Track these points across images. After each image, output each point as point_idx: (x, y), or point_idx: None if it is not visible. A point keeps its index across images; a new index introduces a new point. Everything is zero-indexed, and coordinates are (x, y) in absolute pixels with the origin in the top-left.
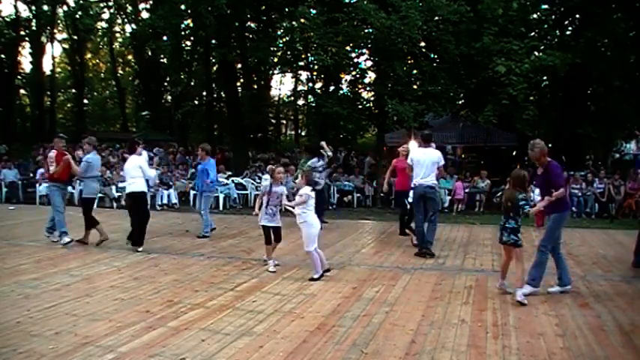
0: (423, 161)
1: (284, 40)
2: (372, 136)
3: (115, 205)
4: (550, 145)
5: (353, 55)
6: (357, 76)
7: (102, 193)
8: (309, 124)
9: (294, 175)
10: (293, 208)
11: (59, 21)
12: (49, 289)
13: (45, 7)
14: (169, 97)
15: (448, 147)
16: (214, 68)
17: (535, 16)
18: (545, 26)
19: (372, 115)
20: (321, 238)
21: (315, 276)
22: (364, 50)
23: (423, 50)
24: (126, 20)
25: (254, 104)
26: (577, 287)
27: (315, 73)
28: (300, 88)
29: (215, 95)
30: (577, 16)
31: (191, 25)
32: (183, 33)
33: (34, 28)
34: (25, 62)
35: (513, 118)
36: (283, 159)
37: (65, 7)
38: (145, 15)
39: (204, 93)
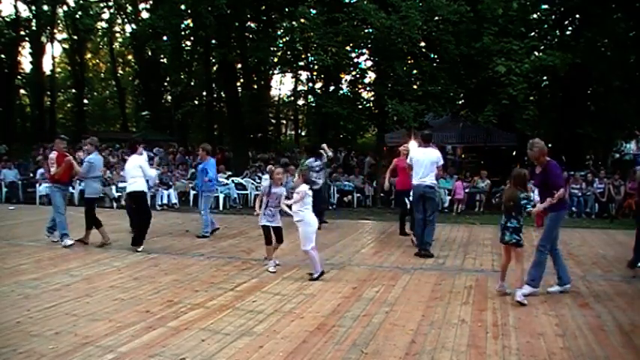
0: (422, 161)
1: (284, 40)
2: (372, 136)
3: (115, 205)
4: (550, 145)
5: (353, 55)
6: (357, 76)
7: (102, 193)
8: (309, 124)
9: (294, 175)
10: (290, 208)
11: (59, 21)
12: (49, 289)
13: (45, 7)
14: (169, 97)
15: (448, 147)
16: (214, 68)
17: (535, 16)
18: (545, 26)
19: (372, 115)
20: (321, 238)
21: (315, 275)
22: (364, 50)
23: (423, 50)
24: (126, 20)
25: (254, 104)
26: (577, 287)
27: (315, 73)
28: (300, 88)
29: (215, 95)
30: (577, 16)
31: (191, 25)
32: (183, 33)
33: (34, 28)
34: (25, 62)
35: (513, 118)
36: (283, 159)
37: (65, 7)
38: (145, 15)
39: (204, 93)
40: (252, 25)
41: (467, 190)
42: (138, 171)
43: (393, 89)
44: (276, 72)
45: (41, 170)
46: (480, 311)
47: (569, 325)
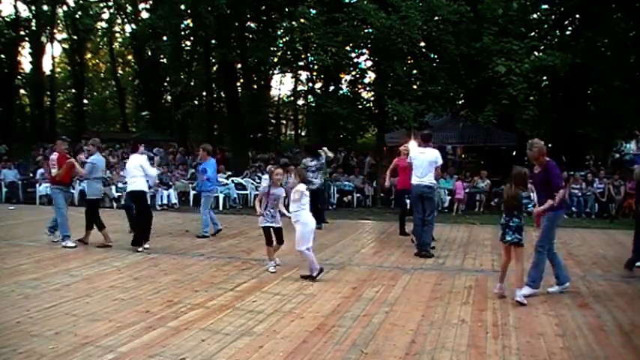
0: (421, 161)
1: (284, 40)
2: (372, 136)
3: (115, 205)
4: (550, 145)
5: (353, 55)
6: (357, 76)
7: (102, 193)
8: (309, 124)
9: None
10: (288, 211)
11: (59, 21)
12: (49, 289)
13: (45, 7)
14: (169, 97)
15: (448, 147)
16: (214, 68)
17: (535, 16)
18: (545, 26)
19: (372, 115)
20: (321, 238)
21: (314, 274)
22: (364, 50)
23: (423, 50)
24: (126, 20)
25: (254, 104)
26: (577, 287)
27: (315, 73)
28: (300, 88)
29: (215, 95)
30: (577, 16)
31: (191, 25)
32: (183, 33)
33: (34, 28)
34: (25, 62)
35: (513, 118)
36: (283, 159)
37: (65, 7)
38: (144, 15)
39: (204, 93)
40: (252, 25)
41: (467, 190)
42: (138, 170)
43: (393, 89)
44: (276, 72)
45: (41, 170)
46: (480, 311)
47: (569, 325)
